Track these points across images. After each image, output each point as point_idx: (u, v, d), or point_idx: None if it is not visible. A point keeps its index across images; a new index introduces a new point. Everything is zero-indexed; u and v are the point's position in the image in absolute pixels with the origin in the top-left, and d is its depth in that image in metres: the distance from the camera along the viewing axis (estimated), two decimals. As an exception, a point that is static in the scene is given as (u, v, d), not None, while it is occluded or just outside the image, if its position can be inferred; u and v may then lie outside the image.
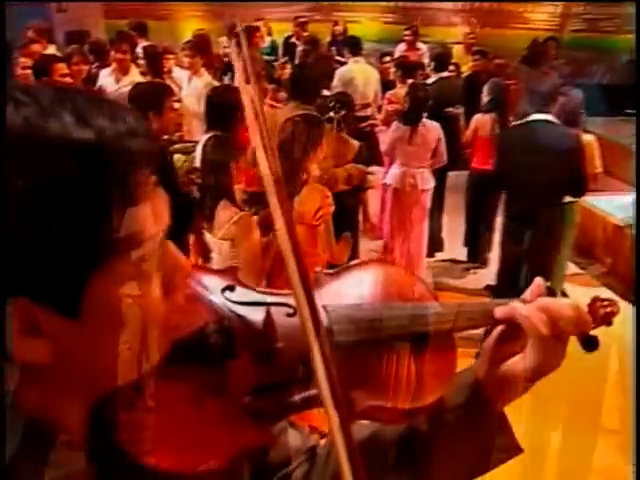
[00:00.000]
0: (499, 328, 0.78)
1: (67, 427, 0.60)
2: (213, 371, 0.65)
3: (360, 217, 4.66)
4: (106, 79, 5.27)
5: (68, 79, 3.97)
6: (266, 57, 7.69)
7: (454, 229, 5.56)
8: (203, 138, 3.39)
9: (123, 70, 5.17)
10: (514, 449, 0.80)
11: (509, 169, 3.92)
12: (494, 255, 4.89)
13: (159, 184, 0.56)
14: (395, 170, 4.82)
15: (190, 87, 5.42)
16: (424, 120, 4.72)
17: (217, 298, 0.70)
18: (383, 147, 4.98)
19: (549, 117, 3.73)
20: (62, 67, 3.95)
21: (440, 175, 5.09)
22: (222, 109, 3.51)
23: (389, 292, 0.78)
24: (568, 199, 3.85)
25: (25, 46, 5.53)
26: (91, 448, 0.62)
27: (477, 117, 5.31)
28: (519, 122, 3.93)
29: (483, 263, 5.40)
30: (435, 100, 4.90)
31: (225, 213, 2.82)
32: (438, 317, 0.75)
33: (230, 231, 2.83)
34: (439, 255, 5.48)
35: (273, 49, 8.47)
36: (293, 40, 8.38)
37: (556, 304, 0.75)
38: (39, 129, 0.48)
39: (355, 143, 4.25)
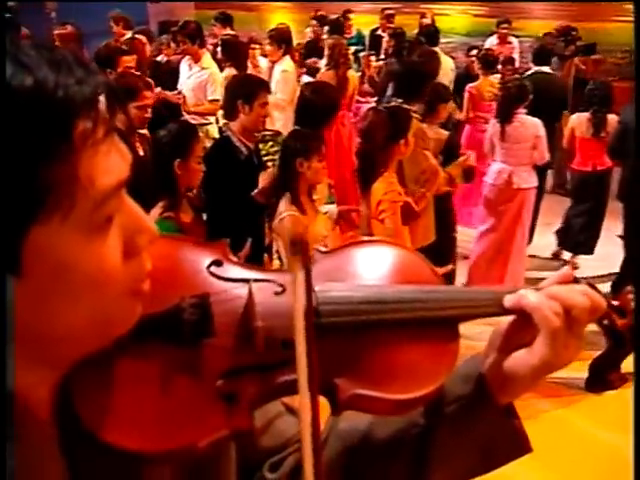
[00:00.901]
0: (509, 318, 0.71)
1: (35, 402, 0.57)
2: (186, 349, 0.60)
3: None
4: (182, 66, 5.37)
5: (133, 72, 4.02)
6: (352, 47, 7.66)
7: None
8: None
9: (194, 58, 5.21)
10: (522, 447, 0.73)
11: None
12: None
13: (112, 136, 0.53)
14: (493, 167, 4.71)
15: (272, 75, 5.47)
16: (521, 116, 4.50)
17: (201, 272, 0.66)
18: (485, 144, 4.86)
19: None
20: (128, 60, 4.00)
21: (539, 173, 4.88)
22: (316, 108, 3.52)
23: (390, 273, 0.72)
24: None
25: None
26: (59, 427, 0.59)
27: (574, 117, 5.12)
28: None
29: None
30: (534, 95, 4.64)
31: (281, 208, 2.83)
32: (442, 303, 0.69)
33: (276, 227, 2.86)
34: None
35: (359, 39, 8.41)
36: (379, 32, 8.31)
37: (567, 291, 0.68)
38: None
39: (444, 133, 4.12)
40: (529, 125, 4.50)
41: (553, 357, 0.67)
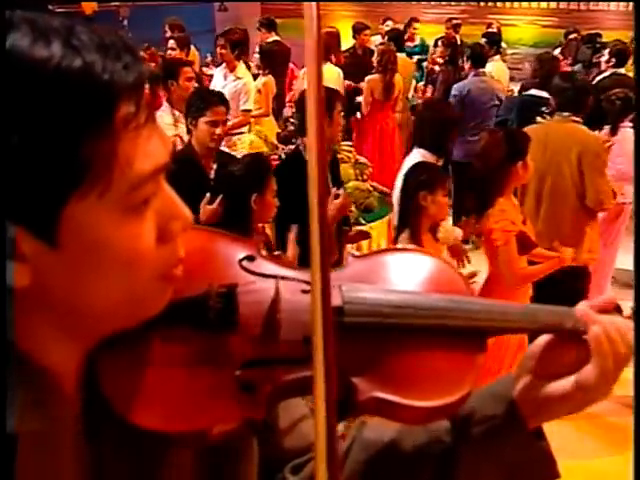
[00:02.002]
0: (547, 337, 0.69)
1: (61, 375, 0.59)
2: (211, 336, 0.62)
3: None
4: (217, 74, 5.28)
5: (193, 82, 4.09)
6: (416, 56, 7.63)
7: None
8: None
9: (229, 67, 5.09)
10: (550, 472, 0.70)
11: None
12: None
13: (154, 122, 0.55)
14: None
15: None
16: (623, 129, 4.22)
17: (233, 265, 0.68)
18: None
19: None
20: (188, 70, 4.05)
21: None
22: (436, 127, 3.35)
23: (421, 280, 0.71)
24: None
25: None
26: (83, 401, 0.60)
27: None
28: None
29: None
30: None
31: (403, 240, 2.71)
32: (472, 314, 0.67)
33: None
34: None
35: (423, 48, 8.36)
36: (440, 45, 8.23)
37: (625, 325, 0.65)
38: (23, 54, 0.50)
39: None
40: (627, 136, 4.21)
41: (597, 390, 0.64)
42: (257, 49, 5.96)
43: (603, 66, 5.66)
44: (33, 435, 0.54)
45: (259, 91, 5.30)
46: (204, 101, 3.09)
